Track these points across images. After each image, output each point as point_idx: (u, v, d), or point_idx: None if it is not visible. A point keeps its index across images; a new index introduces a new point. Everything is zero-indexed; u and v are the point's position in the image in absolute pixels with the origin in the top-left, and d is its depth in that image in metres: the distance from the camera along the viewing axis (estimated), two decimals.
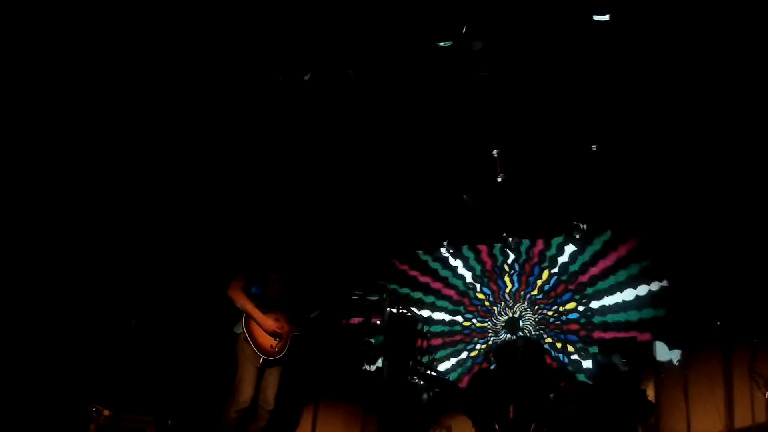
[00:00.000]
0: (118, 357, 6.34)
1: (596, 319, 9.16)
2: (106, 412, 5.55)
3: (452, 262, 10.45)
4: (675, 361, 6.63)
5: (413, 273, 10.74)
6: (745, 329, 5.94)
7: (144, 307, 6.79)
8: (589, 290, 9.32)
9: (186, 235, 7.87)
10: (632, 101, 7.55)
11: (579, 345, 9.17)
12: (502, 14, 6.57)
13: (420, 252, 10.73)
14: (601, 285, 9.29)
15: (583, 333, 9.20)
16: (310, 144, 8.44)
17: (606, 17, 6.45)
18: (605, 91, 7.44)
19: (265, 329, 5.61)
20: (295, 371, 7.07)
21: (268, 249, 6.08)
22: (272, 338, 5.64)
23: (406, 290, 10.53)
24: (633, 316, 8.83)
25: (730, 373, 5.79)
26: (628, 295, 8.96)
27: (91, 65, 6.55)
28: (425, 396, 8.03)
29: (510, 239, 9.56)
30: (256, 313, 5.61)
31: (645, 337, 8.21)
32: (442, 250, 10.29)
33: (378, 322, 8.90)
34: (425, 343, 9.23)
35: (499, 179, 8.90)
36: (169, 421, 6.02)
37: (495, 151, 8.84)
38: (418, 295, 10.52)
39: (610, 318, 9.05)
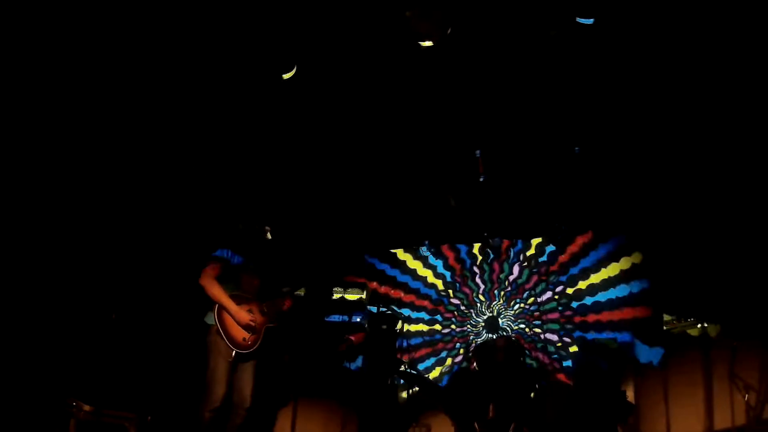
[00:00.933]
0: (98, 351, 6.24)
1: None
2: (87, 408, 5.43)
3: (432, 261, 10.43)
4: (656, 363, 6.68)
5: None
6: (725, 332, 6.01)
7: (124, 301, 6.70)
8: (569, 290, 9.42)
9: (166, 228, 7.78)
10: (613, 103, 7.64)
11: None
12: (487, 14, 6.59)
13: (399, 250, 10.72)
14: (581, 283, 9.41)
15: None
16: (293, 139, 8.41)
17: (590, 20, 6.54)
18: (587, 92, 7.52)
19: (238, 321, 5.44)
20: (274, 367, 7.05)
21: (243, 240, 5.85)
22: (245, 331, 5.47)
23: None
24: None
25: (710, 375, 5.83)
26: (611, 293, 9.08)
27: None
28: (405, 394, 8.05)
29: (491, 240, 9.59)
30: (230, 305, 5.43)
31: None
32: (422, 249, 10.27)
33: (359, 319, 8.91)
34: (405, 343, 9.26)
35: (481, 179, 8.94)
36: (149, 417, 5.92)
37: (477, 152, 8.89)
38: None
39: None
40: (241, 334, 5.47)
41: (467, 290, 10.08)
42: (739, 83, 6.93)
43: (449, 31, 6.68)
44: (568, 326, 9.24)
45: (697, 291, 7.53)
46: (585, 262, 9.41)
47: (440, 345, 10.03)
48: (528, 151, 8.64)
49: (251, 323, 5.50)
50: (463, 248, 10.23)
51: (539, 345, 9.24)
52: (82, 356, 6.34)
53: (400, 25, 6.59)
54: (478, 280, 10.03)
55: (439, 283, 10.27)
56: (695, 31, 6.52)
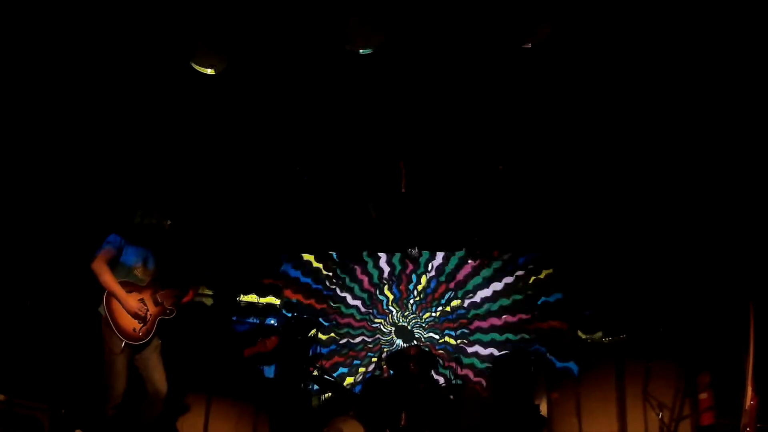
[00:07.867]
0: (13, 338, 5.91)
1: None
2: (1, 396, 5.15)
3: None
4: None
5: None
6: (639, 352, 6.30)
7: (40, 287, 6.39)
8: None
9: (86, 217, 7.45)
10: (537, 123, 7.87)
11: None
12: (418, 26, 6.68)
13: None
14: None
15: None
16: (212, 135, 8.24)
17: (529, 45, 6.75)
18: (513, 111, 7.72)
19: (126, 310, 5.15)
20: (187, 365, 6.86)
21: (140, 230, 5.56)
22: (135, 321, 5.18)
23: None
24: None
25: (624, 391, 6.07)
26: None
27: None
28: (318, 399, 8.01)
29: (411, 250, 9.68)
30: (118, 291, 5.14)
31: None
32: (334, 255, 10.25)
33: (273, 322, 8.82)
34: (318, 349, 9.21)
35: (403, 190, 9.02)
36: (63, 410, 5.64)
37: (401, 162, 8.97)
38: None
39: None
40: (131, 323, 5.18)
41: (403, 292, 10.14)
42: (654, 109, 7.24)
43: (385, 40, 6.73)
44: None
45: (610, 311, 7.85)
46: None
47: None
48: (452, 164, 8.78)
49: (140, 312, 5.21)
50: (383, 256, 10.27)
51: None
52: None
53: (326, 32, 6.59)
54: (395, 289, 10.11)
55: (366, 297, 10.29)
56: (613, 58, 6.80)
